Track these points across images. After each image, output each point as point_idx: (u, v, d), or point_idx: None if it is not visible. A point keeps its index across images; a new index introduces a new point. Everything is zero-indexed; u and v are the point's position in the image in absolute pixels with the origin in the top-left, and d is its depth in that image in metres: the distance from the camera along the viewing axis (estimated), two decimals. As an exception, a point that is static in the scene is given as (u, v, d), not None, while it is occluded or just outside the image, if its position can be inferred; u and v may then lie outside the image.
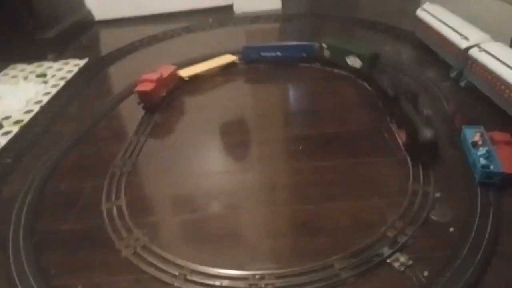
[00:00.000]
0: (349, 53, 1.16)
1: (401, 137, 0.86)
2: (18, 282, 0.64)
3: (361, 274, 0.62)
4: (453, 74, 1.11)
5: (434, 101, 1.03)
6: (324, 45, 1.22)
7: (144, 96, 1.09)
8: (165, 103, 1.15)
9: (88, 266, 0.68)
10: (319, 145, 0.92)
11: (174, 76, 1.22)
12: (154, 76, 1.11)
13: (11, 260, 0.68)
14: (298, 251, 0.67)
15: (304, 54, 1.28)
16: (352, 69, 1.18)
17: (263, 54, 1.30)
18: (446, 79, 1.11)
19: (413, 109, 0.85)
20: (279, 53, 1.29)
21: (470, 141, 0.80)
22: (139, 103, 1.10)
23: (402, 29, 1.46)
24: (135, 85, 1.11)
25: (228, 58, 1.32)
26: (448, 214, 0.70)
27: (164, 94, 1.16)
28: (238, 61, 1.32)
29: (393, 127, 0.91)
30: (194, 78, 1.26)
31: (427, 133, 0.78)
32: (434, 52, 1.23)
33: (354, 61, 1.12)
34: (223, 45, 1.48)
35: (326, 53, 1.22)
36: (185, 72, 1.25)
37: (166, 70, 1.18)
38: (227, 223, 0.74)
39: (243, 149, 0.95)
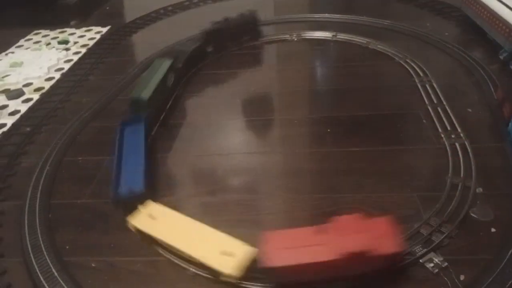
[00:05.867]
0: (164, 75, 0.91)
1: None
2: (32, 256, 0.63)
3: (389, 273, 0.57)
4: (502, 56, 1.01)
5: (479, 85, 0.93)
6: (143, 97, 0.85)
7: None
8: (187, 76, 1.10)
9: (103, 244, 0.66)
10: (349, 129, 0.86)
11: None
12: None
13: (26, 233, 0.67)
14: (321, 244, 0.62)
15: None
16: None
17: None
18: (494, 61, 1.01)
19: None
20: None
21: (520, 133, 0.72)
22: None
23: (447, 3, 1.34)
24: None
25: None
26: (490, 212, 0.64)
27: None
28: None
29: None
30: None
31: None
32: (482, 30, 1.12)
33: (170, 78, 0.97)
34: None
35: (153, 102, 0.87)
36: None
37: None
38: (246, 209, 0.70)
39: (267, 129, 0.90)
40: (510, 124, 0.77)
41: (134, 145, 0.77)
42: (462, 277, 0.55)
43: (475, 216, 0.63)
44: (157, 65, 0.94)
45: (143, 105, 0.84)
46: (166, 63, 0.95)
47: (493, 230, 0.61)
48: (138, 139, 0.79)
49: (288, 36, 1.25)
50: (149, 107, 0.85)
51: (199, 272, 0.59)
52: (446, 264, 0.57)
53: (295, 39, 1.24)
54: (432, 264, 0.57)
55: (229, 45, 1.21)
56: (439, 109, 0.87)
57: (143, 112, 0.84)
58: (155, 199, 0.72)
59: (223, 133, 0.90)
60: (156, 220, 0.64)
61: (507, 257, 0.57)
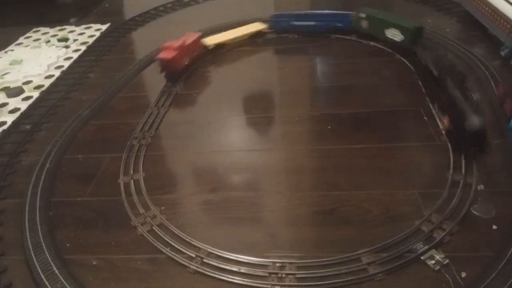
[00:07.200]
0: (390, 25, 1.06)
1: (443, 122, 0.78)
2: (33, 254, 0.63)
3: (390, 270, 0.57)
4: (503, 52, 1.00)
5: (480, 82, 0.93)
6: (362, 15, 1.13)
7: (166, 64, 1.04)
8: (188, 72, 1.10)
9: (103, 242, 0.66)
10: (350, 126, 0.85)
11: (198, 44, 1.15)
12: (177, 43, 1.06)
13: (27, 231, 0.67)
14: (322, 241, 0.62)
15: (339, 24, 1.20)
16: (391, 43, 1.09)
17: (294, 23, 1.22)
18: (495, 58, 1.01)
19: (459, 92, 0.75)
20: (311, 23, 1.21)
21: (521, 129, 0.72)
22: (161, 72, 1.06)
23: (448, -1, 1.33)
24: (157, 53, 1.06)
25: (257, 26, 1.25)
26: (491, 209, 0.64)
27: (187, 62, 1.10)
28: (267, 30, 1.25)
29: (434, 109, 0.83)
30: (220, 46, 1.20)
31: (475, 121, 0.69)
32: (483, 26, 1.11)
33: (394, 34, 1.03)
34: (252, 12, 1.39)
35: (364, 24, 1.13)
36: (210, 40, 1.18)
37: (190, 38, 1.12)
38: (248, 206, 0.70)
39: (268, 126, 0.89)
40: (511, 121, 0.76)
41: (327, 23, 1.20)
42: (463, 274, 0.55)
43: (476, 213, 0.63)
44: (401, 22, 1.05)
45: (358, 16, 1.15)
46: (411, 28, 1.01)
47: (494, 227, 0.61)
48: (328, 24, 1.20)
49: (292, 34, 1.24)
50: (355, 22, 1.16)
51: (199, 270, 0.59)
52: (447, 261, 0.57)
53: (296, 36, 1.24)
54: (433, 261, 0.57)
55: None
56: (440, 106, 0.86)
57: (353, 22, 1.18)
58: (157, 197, 0.72)
59: (224, 131, 0.89)
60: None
61: (509, 254, 0.56)
